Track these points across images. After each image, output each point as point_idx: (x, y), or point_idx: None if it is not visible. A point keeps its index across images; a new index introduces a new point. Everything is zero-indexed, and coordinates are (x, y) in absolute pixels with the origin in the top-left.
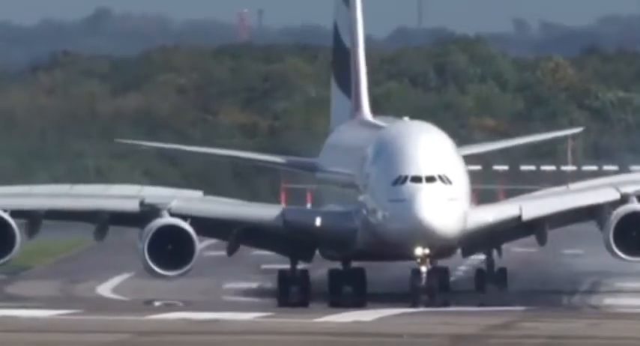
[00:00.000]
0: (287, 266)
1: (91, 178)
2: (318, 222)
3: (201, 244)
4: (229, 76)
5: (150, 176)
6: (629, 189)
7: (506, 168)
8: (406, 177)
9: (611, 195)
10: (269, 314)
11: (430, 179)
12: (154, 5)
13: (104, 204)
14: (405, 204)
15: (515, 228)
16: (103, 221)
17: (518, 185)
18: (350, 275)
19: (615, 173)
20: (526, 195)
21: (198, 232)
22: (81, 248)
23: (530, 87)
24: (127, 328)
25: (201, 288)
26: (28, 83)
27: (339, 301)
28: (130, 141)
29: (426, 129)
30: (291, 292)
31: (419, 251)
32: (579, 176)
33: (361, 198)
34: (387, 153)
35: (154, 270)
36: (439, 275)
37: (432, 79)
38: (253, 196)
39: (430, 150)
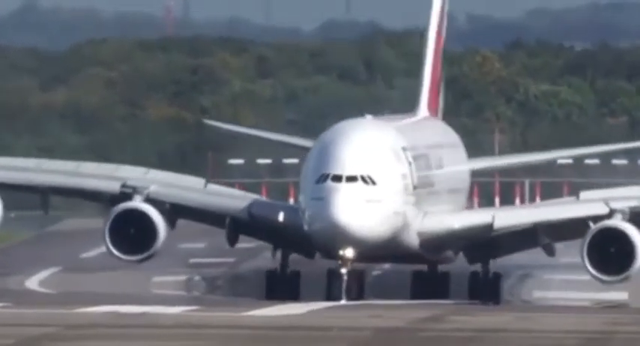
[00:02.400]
0: (276, 266)
1: None
2: (281, 217)
3: None
4: (157, 70)
5: None
6: (618, 205)
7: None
8: (327, 176)
9: (598, 209)
10: (197, 307)
11: (351, 179)
12: None
13: (86, 183)
14: (322, 203)
15: (518, 239)
16: (105, 201)
17: None
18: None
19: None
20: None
21: (199, 220)
22: (11, 241)
23: (456, 81)
24: (54, 321)
25: (129, 281)
26: None
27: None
28: (220, 125)
29: (366, 128)
30: (279, 295)
31: (340, 252)
32: (507, 169)
33: (300, 196)
34: (318, 151)
35: (113, 254)
36: (442, 280)
37: (360, 73)
38: None
39: (358, 150)
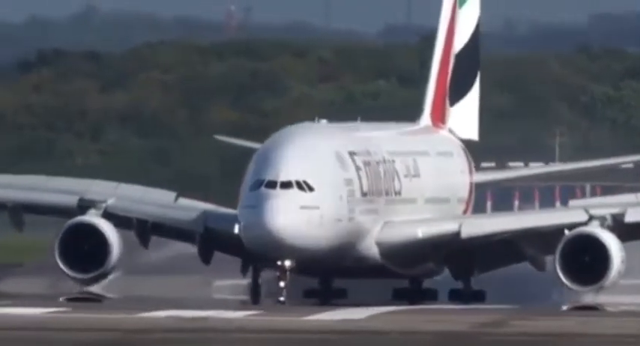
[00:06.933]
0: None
1: (78, 176)
2: (236, 229)
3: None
4: (218, 73)
5: (138, 174)
6: (599, 212)
7: (492, 164)
8: (262, 182)
9: (577, 216)
10: (260, 312)
11: (286, 185)
12: (141, 2)
13: (44, 197)
14: (255, 211)
15: (499, 251)
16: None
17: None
18: (330, 294)
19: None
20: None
21: (169, 236)
22: None
23: (518, 85)
24: (116, 326)
25: (190, 285)
26: (17, 81)
27: None
28: (231, 141)
29: (305, 133)
30: None
31: (279, 263)
32: (566, 173)
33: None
34: (257, 158)
35: (63, 271)
36: (426, 297)
37: (419, 77)
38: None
39: (294, 155)
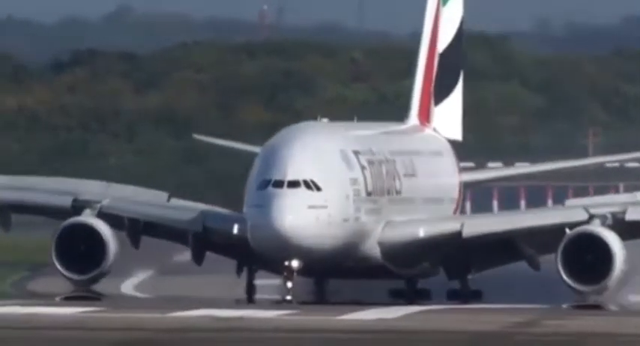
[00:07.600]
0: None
1: (112, 176)
2: (235, 229)
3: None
4: (251, 73)
5: (171, 175)
6: (598, 210)
7: (526, 163)
8: (269, 182)
9: (577, 215)
10: (293, 311)
11: (293, 184)
12: (175, 2)
13: (37, 198)
14: (262, 210)
15: (497, 250)
16: (60, 218)
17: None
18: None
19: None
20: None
21: (162, 237)
22: None
23: (553, 85)
24: (150, 325)
25: (224, 285)
26: (51, 82)
27: None
28: (210, 140)
29: (311, 131)
30: None
31: (285, 263)
32: (600, 172)
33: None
34: (262, 157)
35: (60, 272)
36: (420, 297)
37: None
38: None
39: (301, 154)
